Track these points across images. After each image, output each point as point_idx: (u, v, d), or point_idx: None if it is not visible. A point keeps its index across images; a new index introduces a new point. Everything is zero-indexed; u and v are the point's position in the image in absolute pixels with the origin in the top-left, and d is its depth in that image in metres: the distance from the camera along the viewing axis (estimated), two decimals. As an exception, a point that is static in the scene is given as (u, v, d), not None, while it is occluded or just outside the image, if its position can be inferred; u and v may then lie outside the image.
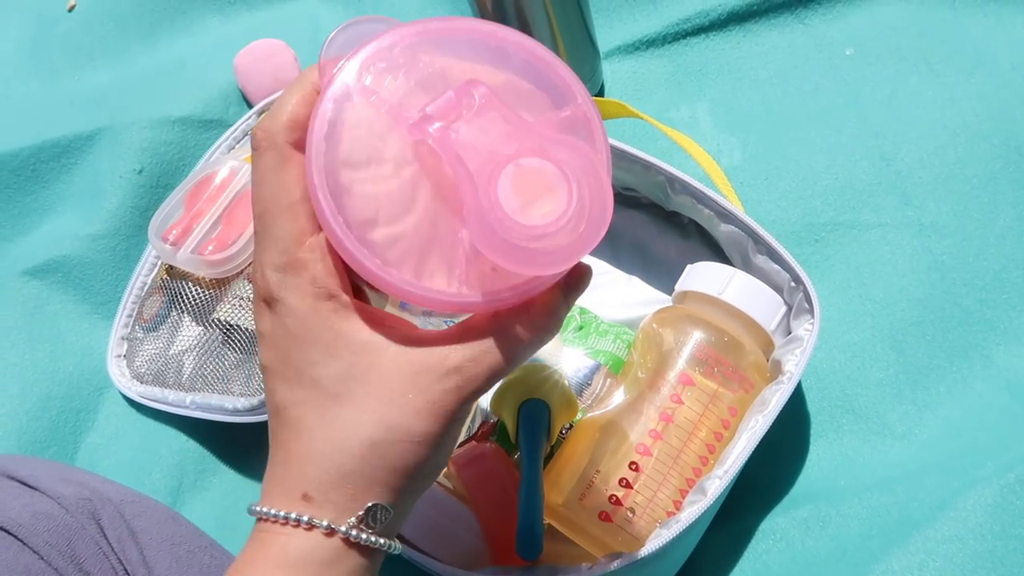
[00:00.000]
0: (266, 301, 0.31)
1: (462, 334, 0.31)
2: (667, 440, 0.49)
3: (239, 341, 0.61)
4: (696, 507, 0.46)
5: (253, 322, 0.60)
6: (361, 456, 0.30)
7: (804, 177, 0.63)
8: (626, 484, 0.48)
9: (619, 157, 0.56)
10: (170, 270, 0.67)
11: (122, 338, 0.69)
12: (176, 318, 0.66)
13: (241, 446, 0.64)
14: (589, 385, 0.55)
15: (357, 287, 0.32)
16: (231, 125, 0.73)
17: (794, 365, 0.49)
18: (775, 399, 0.48)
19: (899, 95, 0.64)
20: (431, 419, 0.30)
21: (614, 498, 0.48)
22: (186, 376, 0.63)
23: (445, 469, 0.52)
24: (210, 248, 0.62)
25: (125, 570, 0.44)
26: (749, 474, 0.50)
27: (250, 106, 0.75)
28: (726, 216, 0.54)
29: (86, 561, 0.42)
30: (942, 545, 0.46)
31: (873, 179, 0.61)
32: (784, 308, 0.53)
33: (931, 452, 0.53)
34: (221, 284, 0.64)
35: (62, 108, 0.77)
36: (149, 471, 0.64)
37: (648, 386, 0.51)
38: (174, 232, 0.64)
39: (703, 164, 0.59)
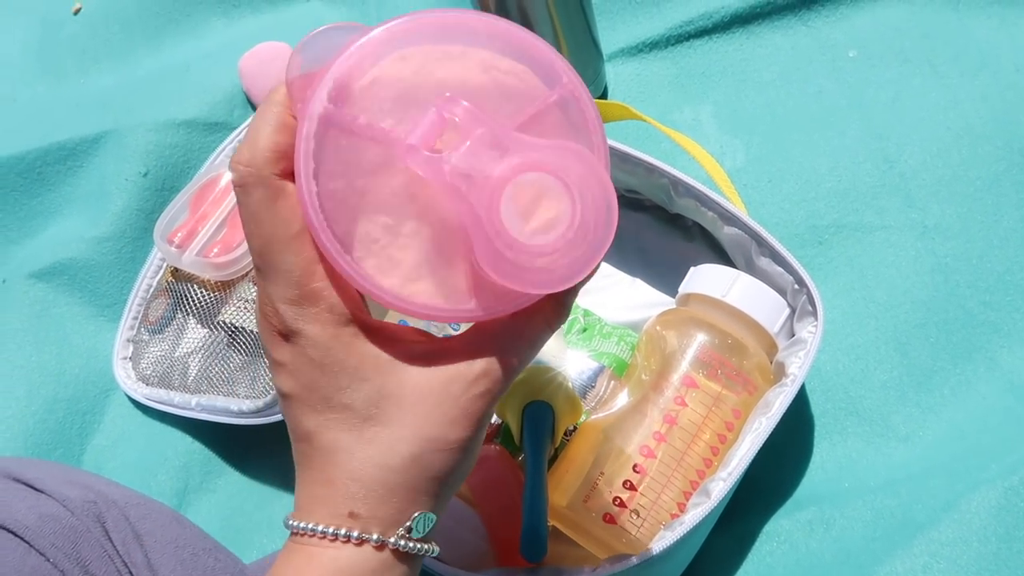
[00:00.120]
0: (282, 335, 0.31)
1: (480, 338, 0.32)
2: (671, 442, 0.49)
3: (244, 343, 0.62)
4: (700, 509, 0.46)
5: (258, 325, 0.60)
6: (404, 470, 0.30)
7: (807, 179, 0.63)
8: (630, 486, 0.48)
9: (622, 159, 0.56)
10: (175, 272, 0.67)
11: (128, 340, 0.69)
12: (181, 320, 0.66)
13: (246, 448, 0.64)
14: (593, 387, 0.55)
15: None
16: (236, 128, 0.74)
17: (798, 367, 0.49)
18: (779, 401, 0.48)
19: (902, 97, 0.64)
20: (465, 425, 0.31)
21: (618, 500, 0.48)
22: (191, 378, 0.64)
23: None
24: (215, 250, 0.62)
25: (130, 572, 0.44)
26: (753, 476, 0.51)
27: (255, 109, 0.75)
28: (729, 219, 0.54)
29: (91, 564, 0.43)
30: (946, 547, 0.46)
31: (877, 181, 0.61)
32: (788, 310, 0.53)
33: (935, 454, 0.53)
34: (226, 286, 0.64)
35: (68, 111, 0.78)
36: (155, 473, 0.64)
37: (652, 388, 0.51)
38: (179, 235, 0.64)
39: (706, 166, 0.59)
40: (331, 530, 0.30)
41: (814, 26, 0.68)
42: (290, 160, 0.29)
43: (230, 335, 0.62)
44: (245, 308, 0.62)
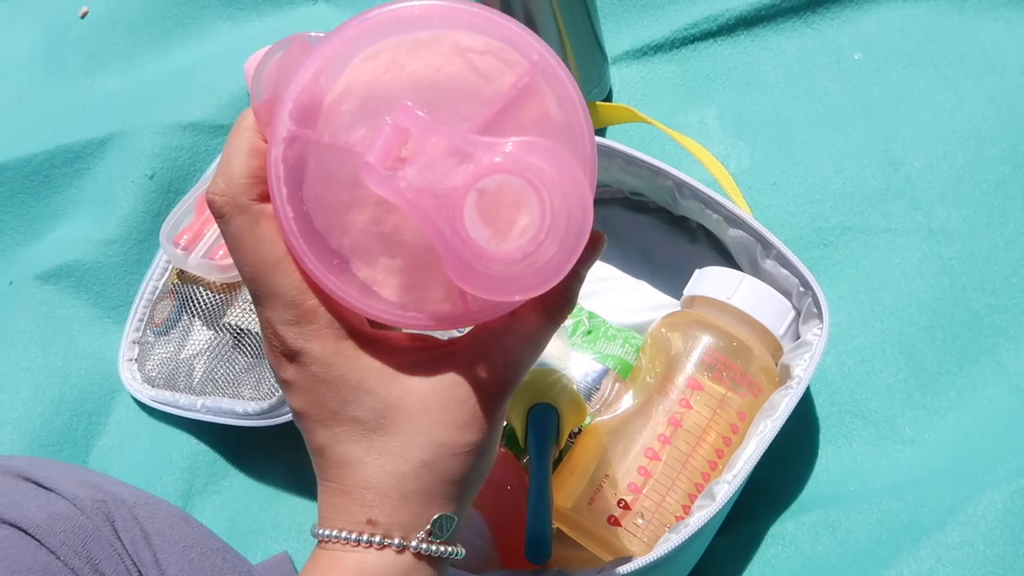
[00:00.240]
0: (286, 356, 0.31)
1: (481, 341, 0.31)
2: (676, 445, 0.49)
3: (249, 345, 0.62)
4: (705, 512, 0.46)
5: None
6: (417, 476, 0.31)
7: (812, 182, 0.63)
8: (635, 488, 0.48)
9: (627, 162, 0.56)
10: (181, 275, 0.68)
11: (133, 342, 0.69)
12: (187, 322, 0.66)
13: (251, 449, 0.64)
14: (598, 389, 0.55)
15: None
16: (241, 130, 0.74)
17: (803, 370, 0.49)
18: (784, 404, 0.48)
19: (908, 99, 0.64)
20: (476, 428, 0.31)
21: (623, 502, 0.48)
22: (197, 380, 0.64)
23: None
24: (221, 253, 0.62)
25: (139, 571, 0.44)
26: (758, 479, 0.50)
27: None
28: (735, 221, 0.54)
29: (101, 562, 0.43)
30: (952, 550, 0.46)
31: (882, 183, 0.61)
32: (793, 313, 0.53)
33: (941, 457, 0.52)
34: (231, 289, 0.64)
35: (74, 114, 0.78)
36: (160, 474, 0.64)
37: (657, 390, 0.51)
38: (185, 237, 0.64)
39: (711, 169, 0.59)
40: (353, 536, 0.31)
41: (819, 29, 0.68)
42: (266, 184, 0.29)
43: (235, 337, 0.62)
44: (250, 310, 0.63)
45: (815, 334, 0.50)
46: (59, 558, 0.41)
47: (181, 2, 0.83)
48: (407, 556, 0.31)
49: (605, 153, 0.56)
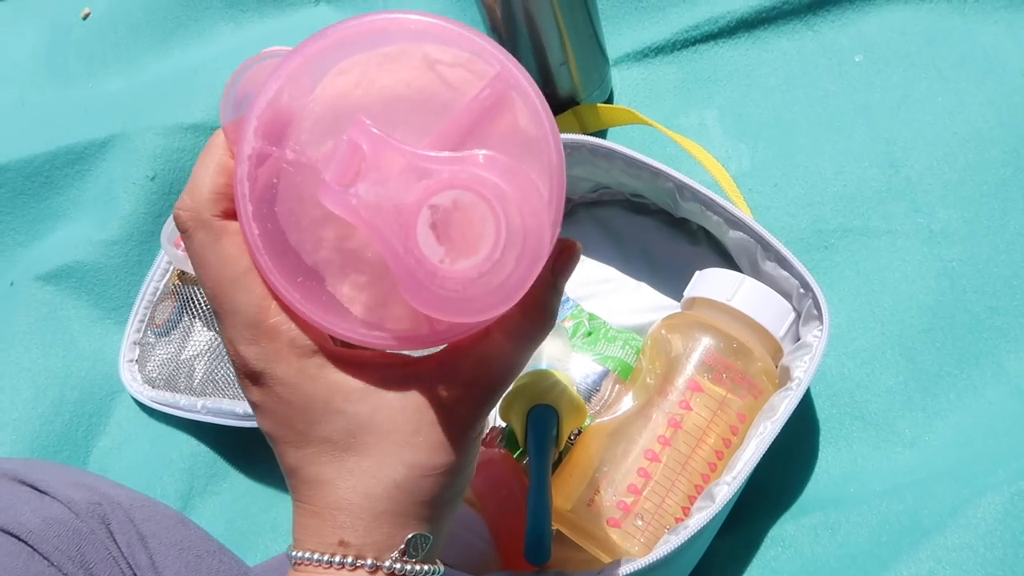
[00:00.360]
0: (249, 377, 0.30)
1: (453, 360, 0.31)
2: (676, 446, 0.49)
3: (250, 346, 0.62)
4: (704, 513, 0.46)
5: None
6: (389, 497, 0.30)
7: (813, 183, 0.63)
8: (634, 490, 0.48)
9: (628, 163, 0.56)
10: (182, 275, 0.68)
11: (134, 343, 0.69)
12: (188, 323, 0.66)
13: (251, 451, 0.64)
14: (598, 391, 0.55)
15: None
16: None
17: (803, 372, 0.49)
18: (784, 405, 0.48)
19: (908, 101, 0.64)
20: (448, 450, 0.30)
21: (622, 504, 0.48)
22: (197, 381, 0.64)
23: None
24: (221, 254, 0.62)
25: (135, 574, 0.44)
26: (758, 480, 0.50)
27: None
28: (735, 222, 0.54)
29: (96, 566, 0.43)
30: (952, 553, 0.46)
31: (882, 185, 0.61)
32: (793, 314, 0.53)
33: (941, 459, 0.52)
34: (232, 289, 0.64)
35: (76, 115, 0.78)
36: (160, 475, 0.64)
37: (657, 392, 0.51)
38: (186, 238, 0.64)
39: (712, 171, 0.59)
40: (325, 558, 0.30)
41: (820, 31, 0.68)
42: (231, 201, 0.29)
43: (236, 338, 0.63)
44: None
45: (815, 336, 0.50)
46: (52, 564, 0.41)
47: (183, 3, 0.83)
48: None
49: (606, 155, 0.56)
